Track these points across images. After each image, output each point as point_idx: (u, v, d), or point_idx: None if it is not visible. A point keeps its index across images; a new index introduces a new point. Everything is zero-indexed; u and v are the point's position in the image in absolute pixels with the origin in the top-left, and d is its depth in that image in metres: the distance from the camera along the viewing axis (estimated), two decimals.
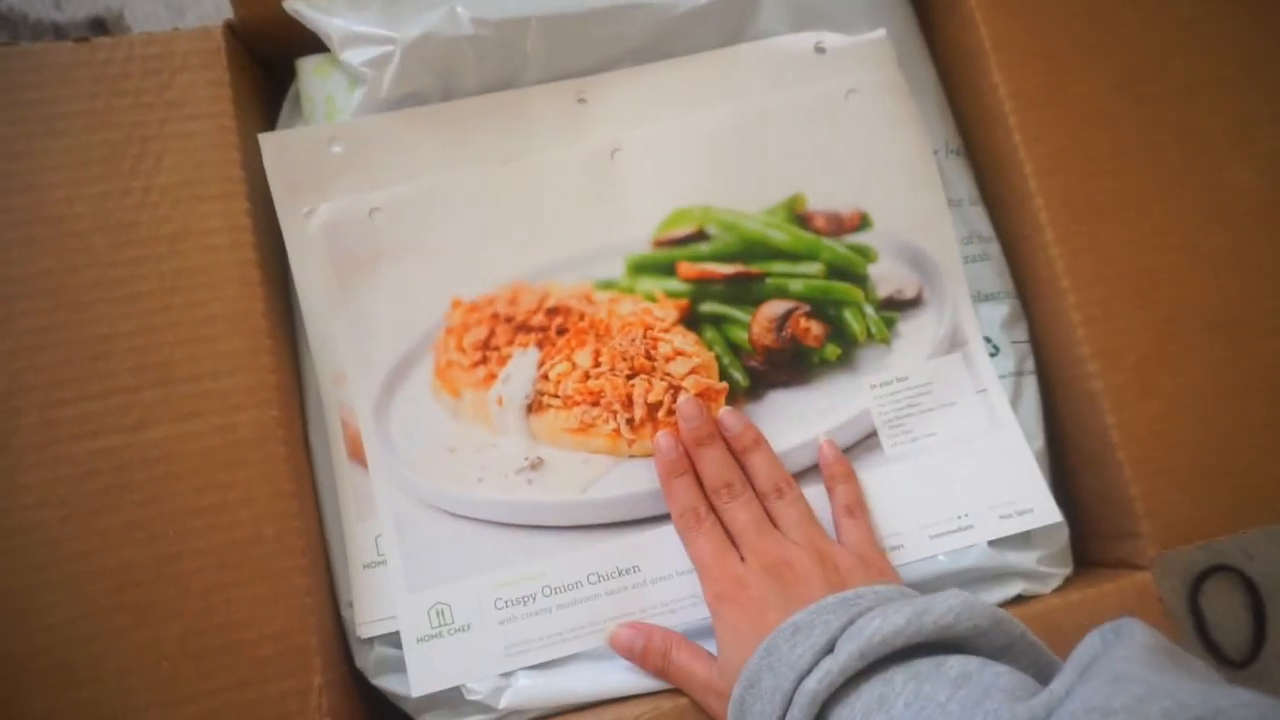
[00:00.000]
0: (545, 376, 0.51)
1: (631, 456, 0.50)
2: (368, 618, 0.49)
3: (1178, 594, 0.78)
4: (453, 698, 0.48)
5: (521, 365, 0.51)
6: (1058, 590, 0.50)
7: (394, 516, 0.50)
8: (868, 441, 0.51)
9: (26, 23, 0.74)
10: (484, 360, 0.51)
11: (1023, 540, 0.50)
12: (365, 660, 0.49)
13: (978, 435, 0.51)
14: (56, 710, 0.44)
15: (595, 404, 0.50)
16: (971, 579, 0.49)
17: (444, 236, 0.51)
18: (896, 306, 0.52)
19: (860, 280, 0.52)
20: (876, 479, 0.50)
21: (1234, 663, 0.77)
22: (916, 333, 0.52)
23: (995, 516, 0.50)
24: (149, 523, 0.45)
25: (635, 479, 0.50)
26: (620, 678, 0.48)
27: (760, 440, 0.49)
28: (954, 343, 0.52)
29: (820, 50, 0.54)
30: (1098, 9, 0.53)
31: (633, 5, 0.53)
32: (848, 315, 0.52)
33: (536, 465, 0.50)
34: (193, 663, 0.45)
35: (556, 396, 0.51)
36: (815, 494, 0.50)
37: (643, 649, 0.47)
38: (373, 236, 0.51)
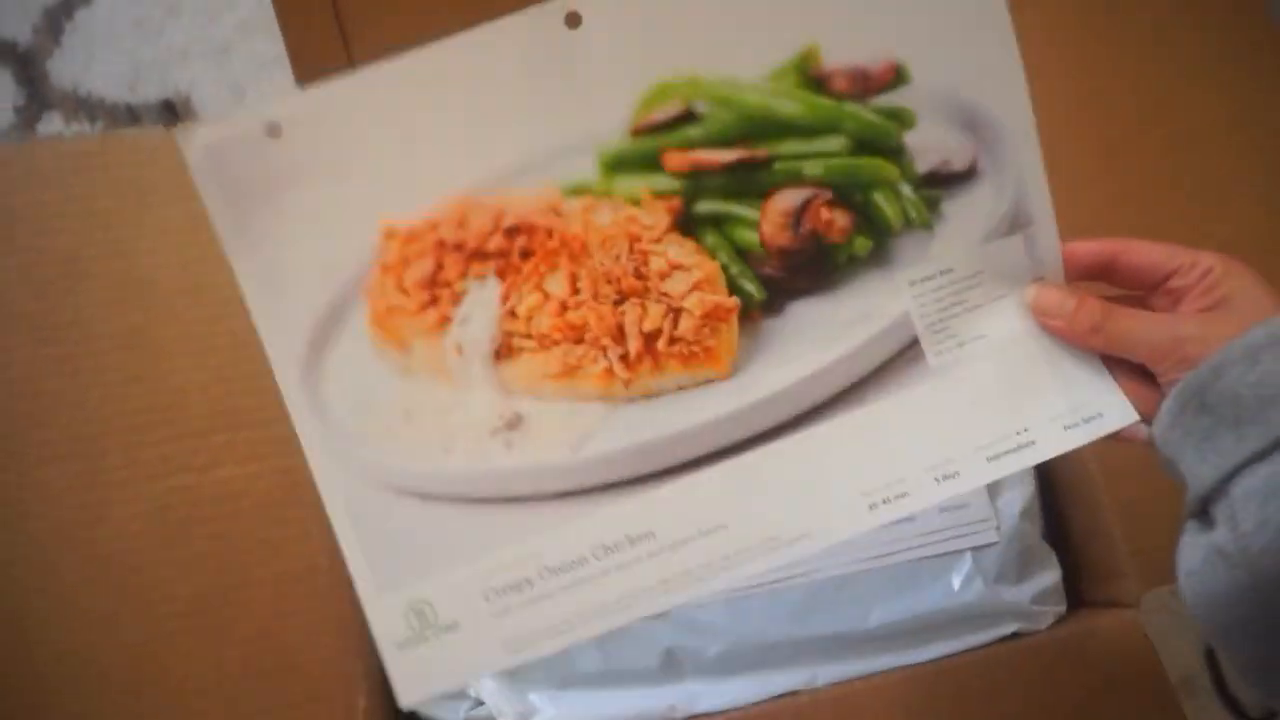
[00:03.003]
0: (512, 313, 0.36)
1: (630, 400, 0.36)
2: None
3: (1195, 649, 0.66)
4: None
5: (480, 301, 0.36)
6: (1050, 627, 0.47)
7: (344, 504, 0.36)
8: (909, 352, 0.37)
9: (104, 106, 0.75)
10: (433, 300, 0.36)
11: (1016, 576, 0.47)
12: None
13: (1030, 334, 0.38)
14: None
15: (578, 340, 0.36)
16: (967, 617, 0.47)
17: (363, 149, 0.35)
18: (941, 182, 0.37)
19: (894, 153, 0.36)
20: (921, 396, 0.37)
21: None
22: (967, 212, 0.37)
23: (1059, 428, 0.37)
24: (217, 554, 0.46)
25: (638, 426, 0.36)
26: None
27: None
28: (1016, 223, 0.37)
29: None
30: (1089, 71, 0.50)
31: None
32: (879, 198, 0.37)
33: (514, 424, 0.36)
34: (253, 681, 0.45)
35: (529, 336, 0.36)
36: (847, 422, 0.36)
37: (1072, 313, 0.36)
38: (273, 159, 0.34)
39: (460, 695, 0.49)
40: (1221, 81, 0.52)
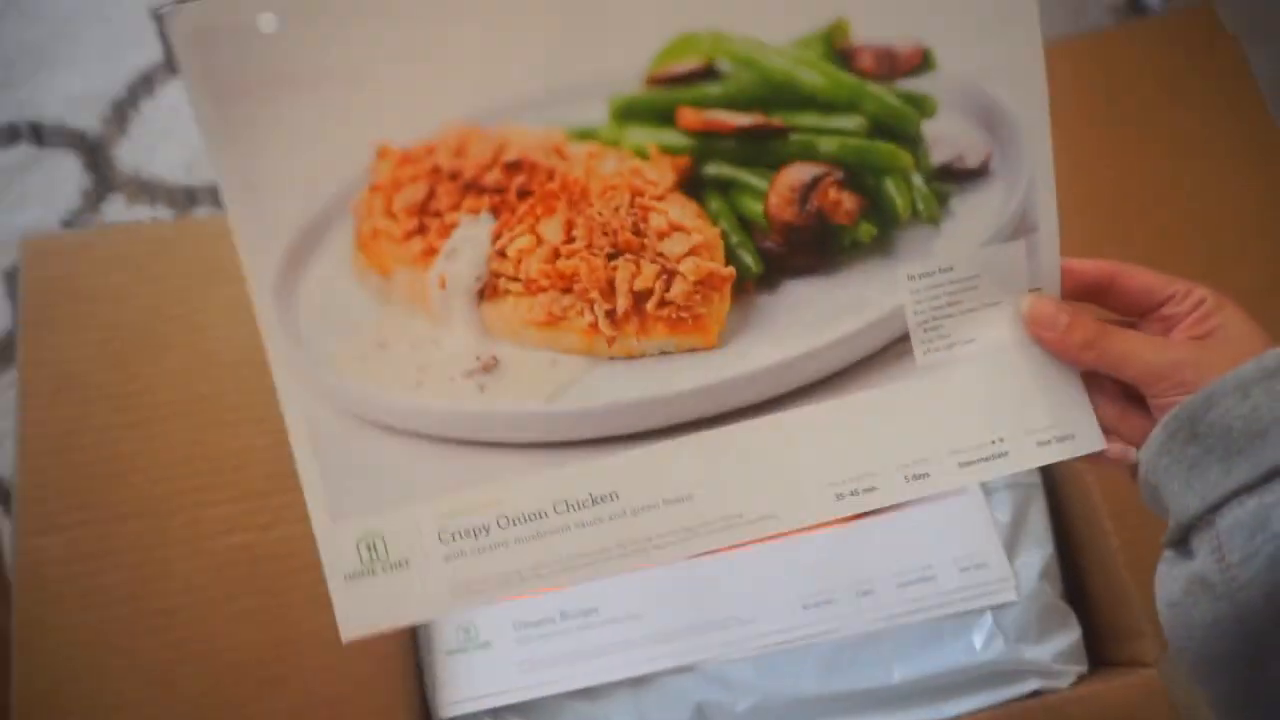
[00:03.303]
0: (502, 253, 0.35)
1: (612, 358, 0.35)
2: (449, 699, 0.48)
3: None
4: None
5: (471, 237, 0.35)
6: (1071, 686, 0.48)
7: (307, 428, 0.34)
8: (897, 347, 0.36)
9: (163, 188, 0.79)
10: (421, 229, 0.34)
11: (1037, 635, 0.48)
12: None
13: (1019, 345, 0.37)
14: None
15: (567, 290, 0.35)
16: (989, 675, 0.47)
17: (367, 59, 0.33)
18: (953, 177, 0.36)
19: (911, 141, 0.36)
20: (902, 392, 0.36)
21: None
22: (974, 212, 0.36)
23: (1033, 443, 0.37)
24: (273, 609, 0.48)
25: (616, 386, 0.35)
26: None
27: None
28: (1020, 228, 0.36)
29: None
30: (1083, 168, 0.52)
31: None
32: (889, 186, 0.36)
33: (490, 366, 0.35)
34: None
35: (516, 279, 0.35)
36: (826, 409, 0.36)
37: (1066, 327, 0.35)
38: (266, 56, 0.32)
39: None
40: (1217, 165, 0.54)
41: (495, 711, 0.48)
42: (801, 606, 0.49)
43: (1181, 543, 0.32)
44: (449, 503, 0.35)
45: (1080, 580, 0.52)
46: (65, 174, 0.82)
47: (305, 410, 0.34)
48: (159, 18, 0.30)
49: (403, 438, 0.35)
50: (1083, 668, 0.48)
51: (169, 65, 0.83)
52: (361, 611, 0.35)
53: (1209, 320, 0.33)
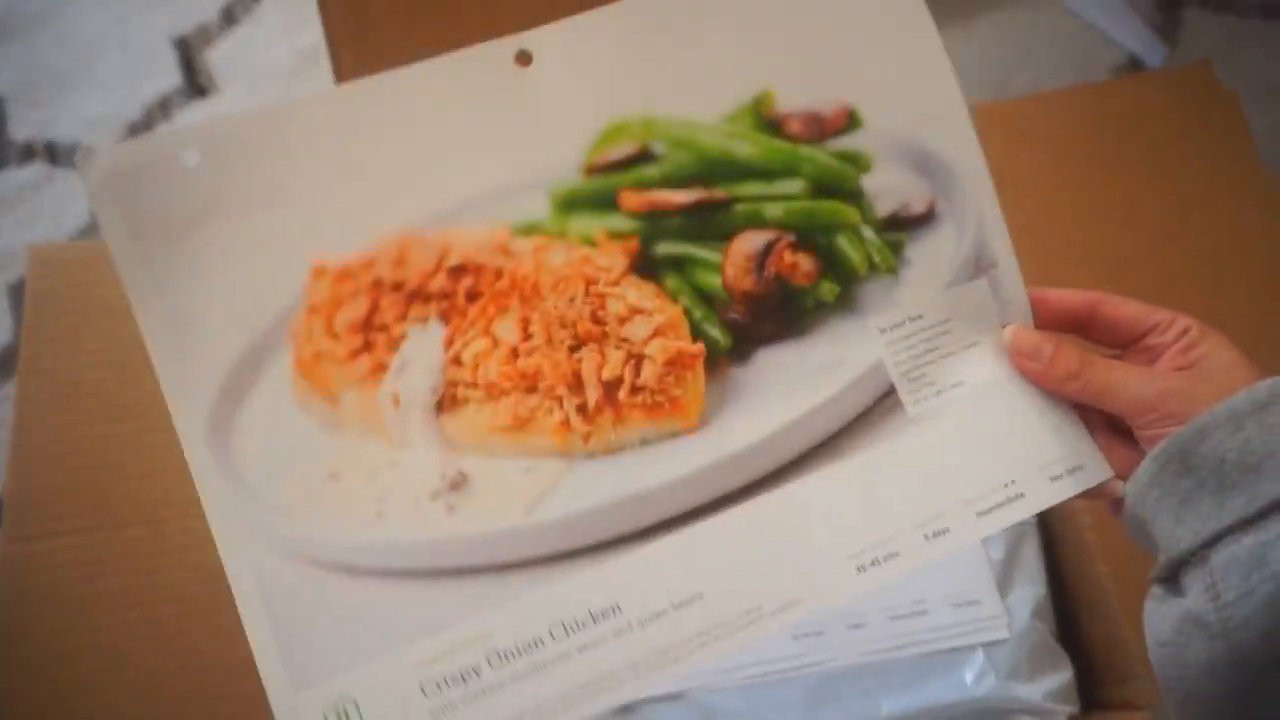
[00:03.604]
0: (457, 360, 0.32)
1: (589, 455, 0.32)
2: None
3: None
4: None
5: (421, 348, 0.32)
6: None
7: (256, 583, 0.30)
8: (886, 402, 0.35)
9: None
10: (367, 346, 0.32)
11: (1029, 673, 0.47)
12: None
13: (1008, 381, 0.36)
14: None
15: (531, 389, 0.32)
16: (980, 711, 0.46)
17: (294, 176, 0.32)
18: (902, 225, 0.36)
19: (854, 196, 0.35)
20: (902, 447, 0.34)
21: None
22: (931, 256, 0.36)
23: (1046, 479, 0.35)
24: None
25: (599, 485, 0.32)
26: None
27: None
28: (979, 265, 0.36)
29: None
30: (1083, 216, 0.53)
31: None
32: (842, 242, 0.35)
33: (458, 484, 0.32)
34: None
35: (476, 385, 0.32)
36: (827, 478, 0.33)
37: (1050, 357, 0.34)
38: (190, 187, 0.31)
39: None
40: (1214, 213, 0.56)
41: None
42: (791, 637, 0.47)
43: (1171, 579, 0.30)
44: (430, 647, 0.30)
45: (1075, 621, 0.50)
46: (75, 192, 0.83)
47: (252, 564, 0.30)
48: (104, 155, 0.29)
49: (368, 579, 0.30)
50: (1074, 708, 0.47)
51: (186, 91, 0.87)
52: None
53: (1194, 350, 0.33)
